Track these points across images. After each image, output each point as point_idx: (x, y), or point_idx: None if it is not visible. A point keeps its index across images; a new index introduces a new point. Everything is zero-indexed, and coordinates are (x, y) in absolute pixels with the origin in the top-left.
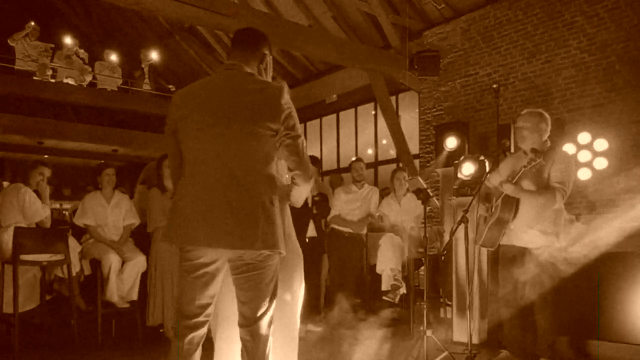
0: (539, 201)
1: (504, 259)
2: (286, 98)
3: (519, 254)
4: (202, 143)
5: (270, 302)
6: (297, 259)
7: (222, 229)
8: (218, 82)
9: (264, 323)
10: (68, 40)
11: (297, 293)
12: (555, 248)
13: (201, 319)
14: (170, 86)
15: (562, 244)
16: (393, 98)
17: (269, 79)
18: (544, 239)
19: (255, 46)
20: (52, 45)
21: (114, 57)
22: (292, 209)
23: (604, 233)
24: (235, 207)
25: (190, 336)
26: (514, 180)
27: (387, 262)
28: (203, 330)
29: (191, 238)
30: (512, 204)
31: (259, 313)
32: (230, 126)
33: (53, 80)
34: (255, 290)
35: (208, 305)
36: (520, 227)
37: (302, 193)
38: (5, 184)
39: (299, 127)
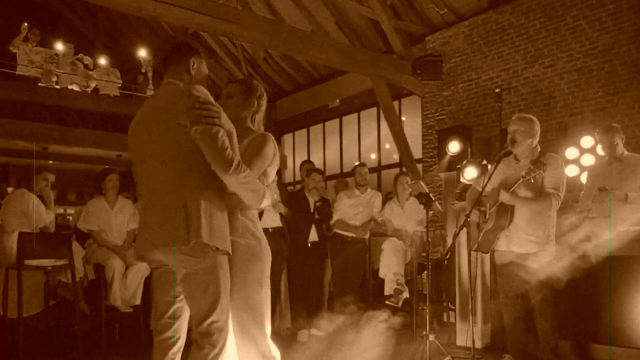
0: (535, 208)
1: (502, 264)
2: (195, 93)
3: (516, 260)
4: (137, 157)
5: (211, 307)
6: (256, 265)
7: (152, 232)
8: (148, 102)
9: (203, 328)
10: (72, 46)
11: (253, 296)
12: (549, 252)
13: (165, 320)
14: None
15: (554, 249)
16: (396, 103)
17: (200, 84)
18: (539, 245)
19: (178, 58)
20: (57, 52)
21: (103, 61)
22: (295, 213)
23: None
24: (160, 209)
25: (160, 337)
26: (511, 190)
27: (390, 267)
28: (171, 334)
29: (138, 247)
30: (507, 211)
31: (198, 318)
32: (150, 135)
33: (58, 87)
34: (192, 296)
35: (169, 307)
36: (516, 233)
37: (240, 191)
38: (10, 189)
39: (211, 119)
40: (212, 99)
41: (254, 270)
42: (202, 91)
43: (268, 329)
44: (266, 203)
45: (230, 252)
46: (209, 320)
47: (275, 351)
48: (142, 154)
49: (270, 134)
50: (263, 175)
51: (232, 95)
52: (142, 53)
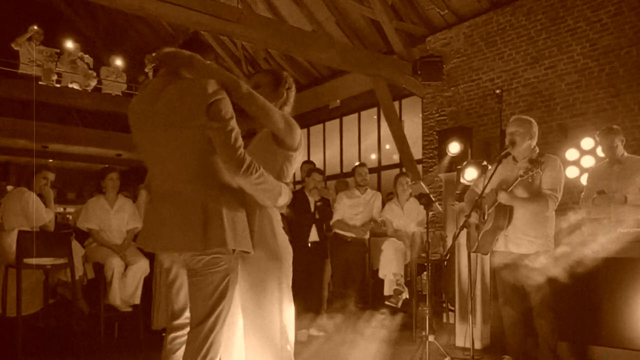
0: (532, 208)
1: (501, 265)
2: (211, 91)
3: (515, 260)
4: (145, 150)
5: (212, 310)
6: (272, 264)
7: (169, 232)
8: (154, 90)
9: (202, 330)
10: (73, 45)
11: (271, 299)
12: (549, 253)
13: (181, 321)
14: None
15: (554, 250)
16: (396, 103)
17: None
18: (538, 245)
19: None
20: (58, 50)
21: (119, 62)
22: (296, 213)
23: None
24: (176, 211)
25: (172, 335)
26: (509, 189)
27: (390, 267)
28: (185, 332)
29: (149, 242)
30: (506, 212)
31: (198, 320)
32: (163, 132)
33: (58, 85)
34: (195, 296)
35: (185, 308)
36: (515, 233)
37: (252, 192)
38: (10, 188)
39: (228, 116)
40: (225, 95)
41: (272, 269)
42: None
43: (291, 330)
44: (283, 201)
45: (252, 252)
46: (209, 323)
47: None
48: (155, 152)
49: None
50: (288, 162)
51: (259, 85)
52: (148, 55)
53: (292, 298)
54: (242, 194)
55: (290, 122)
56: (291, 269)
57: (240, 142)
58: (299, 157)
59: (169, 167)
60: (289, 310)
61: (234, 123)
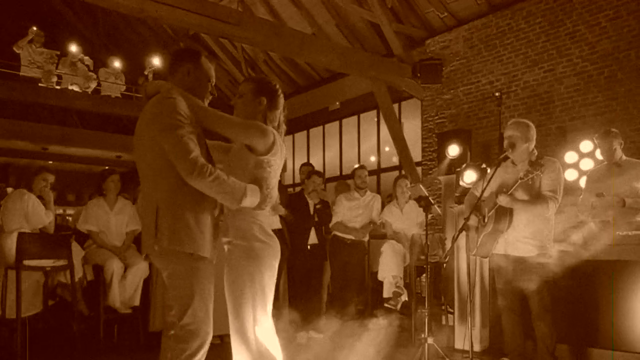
0: (533, 211)
1: (500, 268)
2: (156, 104)
3: (515, 263)
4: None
5: (184, 309)
6: (247, 263)
7: (143, 234)
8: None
9: (178, 328)
10: (73, 47)
11: (241, 296)
12: (547, 256)
13: (168, 319)
14: None
15: (553, 252)
16: (396, 106)
17: (202, 94)
18: (537, 248)
19: (173, 67)
20: (58, 52)
21: (117, 64)
22: (295, 216)
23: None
24: (142, 214)
25: (166, 333)
26: (509, 192)
27: (389, 269)
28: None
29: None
30: (506, 214)
31: (177, 317)
32: (137, 143)
33: (58, 87)
34: (170, 296)
35: (171, 307)
36: (515, 236)
37: (211, 194)
38: (9, 189)
39: (175, 126)
40: (182, 106)
41: (246, 266)
42: (171, 101)
43: (264, 327)
44: (250, 203)
45: (204, 255)
46: (182, 322)
47: (272, 350)
48: (136, 160)
49: (270, 128)
50: (260, 167)
51: (242, 93)
52: (155, 61)
53: (266, 299)
54: (199, 198)
55: (258, 128)
56: (274, 270)
57: (191, 147)
58: (275, 161)
59: (140, 172)
60: (262, 309)
61: (182, 131)
